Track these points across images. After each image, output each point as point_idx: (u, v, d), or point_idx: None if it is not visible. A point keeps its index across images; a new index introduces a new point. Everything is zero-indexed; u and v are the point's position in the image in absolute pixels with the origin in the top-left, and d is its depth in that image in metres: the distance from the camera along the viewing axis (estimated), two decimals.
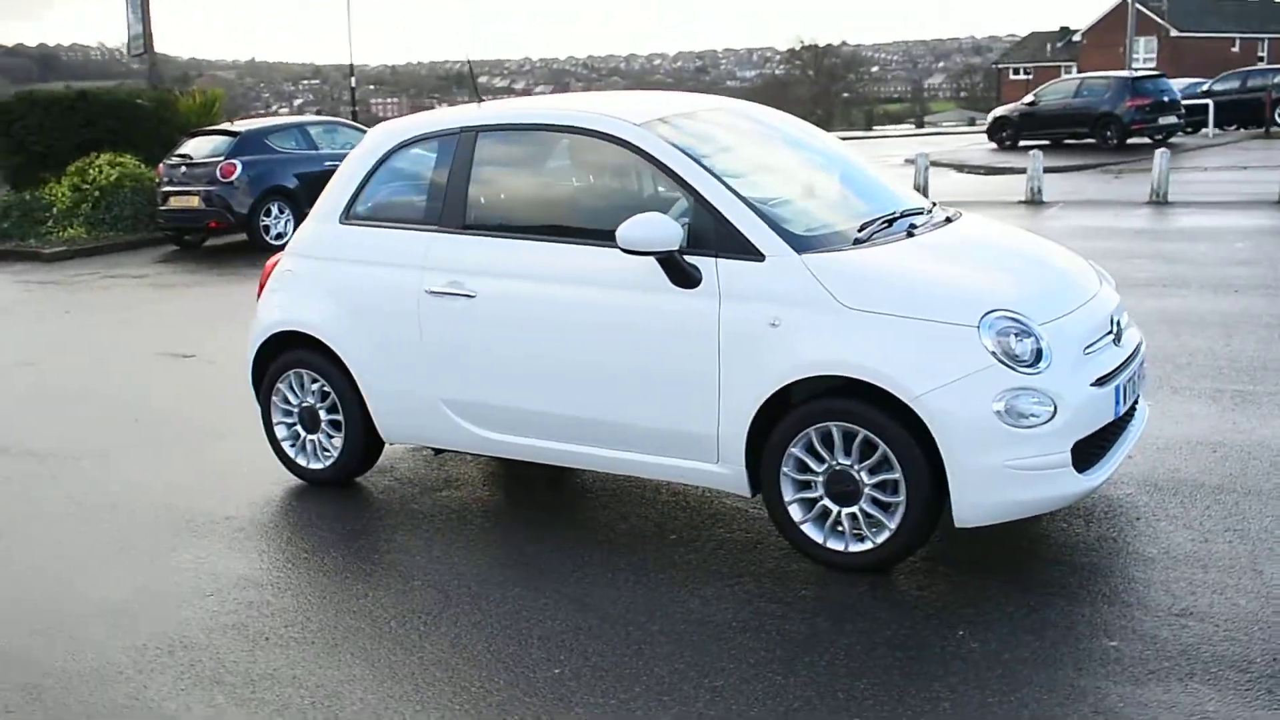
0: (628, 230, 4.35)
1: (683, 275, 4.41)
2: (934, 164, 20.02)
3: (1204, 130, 26.96)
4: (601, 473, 5.52)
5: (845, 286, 4.21)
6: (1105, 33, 65.25)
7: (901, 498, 4.14)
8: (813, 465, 4.30)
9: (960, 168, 23.50)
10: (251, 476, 5.85)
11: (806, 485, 4.34)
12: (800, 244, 4.35)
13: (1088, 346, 4.29)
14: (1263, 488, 4.89)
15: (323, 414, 5.54)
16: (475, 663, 3.80)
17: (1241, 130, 28.59)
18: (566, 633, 3.98)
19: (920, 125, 55.90)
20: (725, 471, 4.49)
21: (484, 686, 3.65)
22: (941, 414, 4.01)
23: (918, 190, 9.17)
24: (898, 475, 4.13)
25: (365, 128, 17.76)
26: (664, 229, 4.33)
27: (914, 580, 4.23)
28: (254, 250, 15.16)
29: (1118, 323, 4.59)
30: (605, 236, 4.60)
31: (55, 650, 4.08)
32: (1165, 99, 25.03)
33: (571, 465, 4.97)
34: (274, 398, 5.66)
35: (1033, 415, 4.01)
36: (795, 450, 4.31)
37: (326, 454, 5.59)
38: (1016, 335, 4.09)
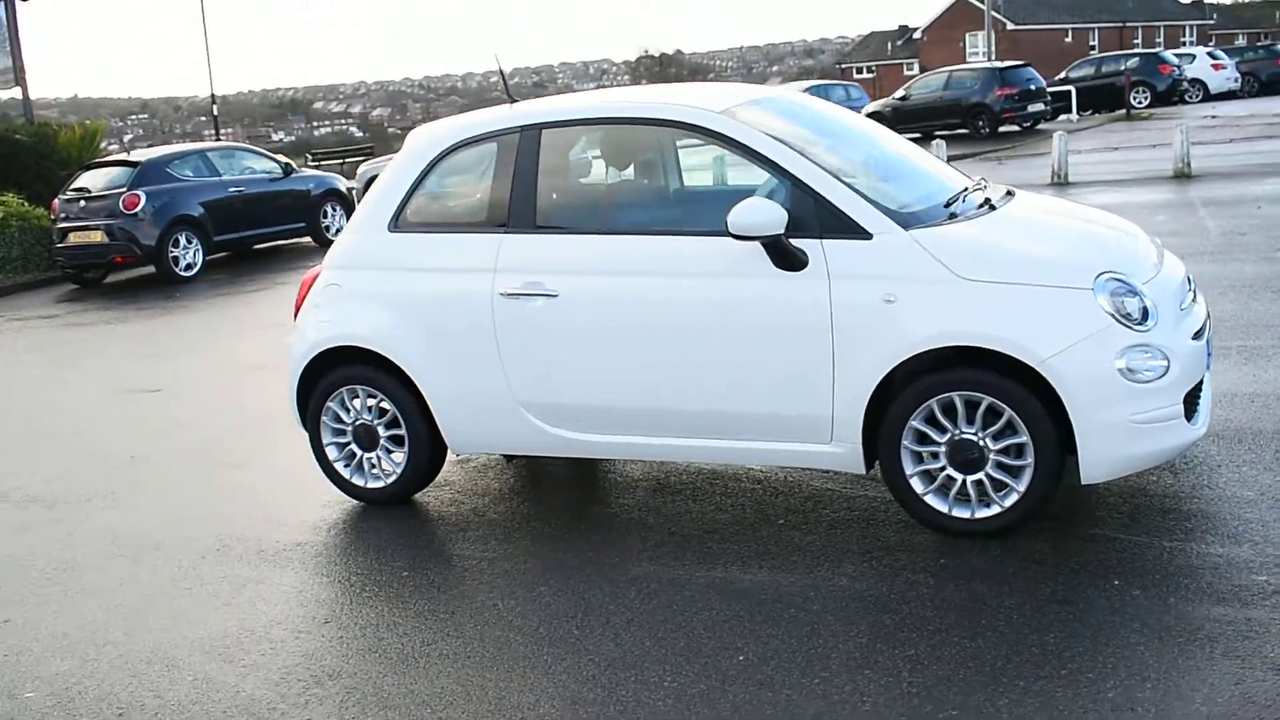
0: (739, 216, 4.34)
1: (789, 258, 4.41)
2: None
3: (1067, 115, 28.22)
4: (666, 467, 5.51)
5: (958, 259, 4.29)
6: (945, 29, 67.78)
7: (1029, 460, 4.23)
8: (935, 436, 4.35)
9: None
10: (298, 501, 5.64)
11: (928, 456, 4.40)
12: (904, 221, 4.41)
13: (1180, 304, 4.46)
14: None
15: (381, 430, 5.36)
16: (653, 658, 3.74)
17: (1096, 115, 30.00)
18: (729, 620, 3.94)
19: None
20: (839, 450, 4.52)
21: (677, 680, 3.59)
22: (1069, 375, 4.11)
23: None
24: (1024, 439, 4.22)
25: (267, 152, 17.35)
26: (773, 213, 4.34)
27: (1041, 542, 4.32)
28: (163, 283, 14.61)
29: (1192, 283, 4.78)
30: (695, 226, 4.58)
31: (183, 692, 3.85)
32: (1032, 87, 26.15)
33: (668, 459, 4.94)
34: (324, 418, 5.45)
35: (1150, 370, 4.14)
36: (915, 423, 4.36)
37: (388, 472, 5.41)
38: (1127, 295, 4.23)
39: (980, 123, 25.95)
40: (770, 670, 3.59)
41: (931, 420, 4.35)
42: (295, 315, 5.58)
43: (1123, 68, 29.92)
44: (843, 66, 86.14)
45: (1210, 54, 33.79)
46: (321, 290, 5.44)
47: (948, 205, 4.65)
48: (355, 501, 5.53)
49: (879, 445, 4.45)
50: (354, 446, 5.45)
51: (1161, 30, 65.57)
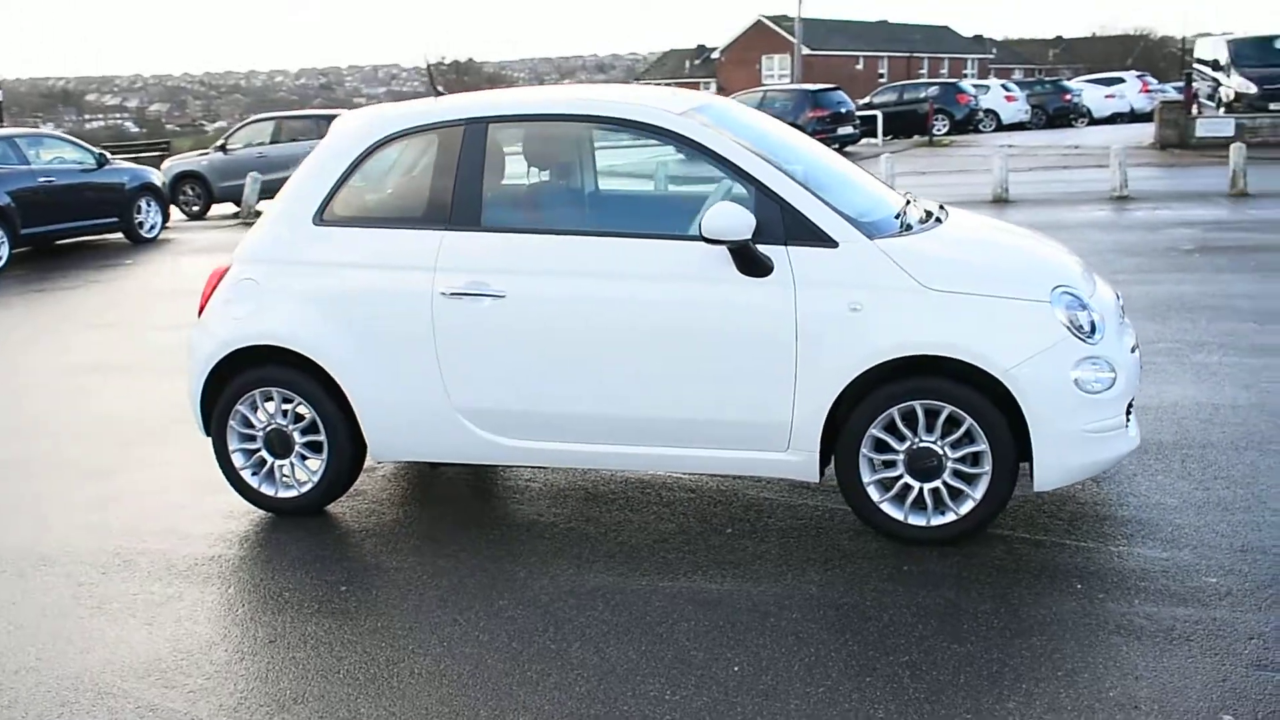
0: (713, 220, 4.28)
1: (755, 264, 4.38)
2: None
3: (871, 140, 29.43)
4: (591, 476, 5.39)
5: (923, 269, 4.35)
6: (742, 50, 69.88)
7: (986, 469, 4.33)
8: (894, 444, 4.41)
9: None
10: (195, 512, 5.26)
11: (886, 465, 4.44)
12: (866, 230, 4.45)
13: (1120, 319, 4.67)
14: (1211, 439, 5.48)
15: (297, 436, 5.05)
16: (645, 671, 3.62)
17: (898, 140, 31.43)
18: (711, 630, 3.87)
19: None
20: (794, 459, 4.51)
21: (677, 693, 3.49)
22: (1030, 386, 4.23)
23: None
24: (982, 447, 4.31)
25: (80, 142, 16.19)
26: (744, 218, 4.30)
27: (995, 549, 4.42)
28: None
29: (1120, 299, 5.01)
30: (653, 229, 4.49)
31: None
32: (842, 110, 27.12)
33: (613, 467, 4.82)
34: (231, 421, 5.08)
35: (1099, 381, 4.31)
36: (875, 431, 4.40)
37: (302, 480, 5.09)
38: (1079, 308, 4.39)
39: None
40: (771, 680, 3.54)
41: (890, 428, 4.40)
42: (200, 311, 5.18)
43: (924, 95, 31.44)
44: (641, 84, 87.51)
45: (1004, 86, 35.97)
46: (234, 285, 5.07)
47: (897, 218, 4.73)
48: (261, 512, 5.18)
49: (836, 453, 4.47)
50: (264, 453, 5.11)
51: (946, 62, 69.36)
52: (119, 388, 7.75)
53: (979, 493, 4.36)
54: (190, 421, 5.26)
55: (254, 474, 5.14)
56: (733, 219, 4.29)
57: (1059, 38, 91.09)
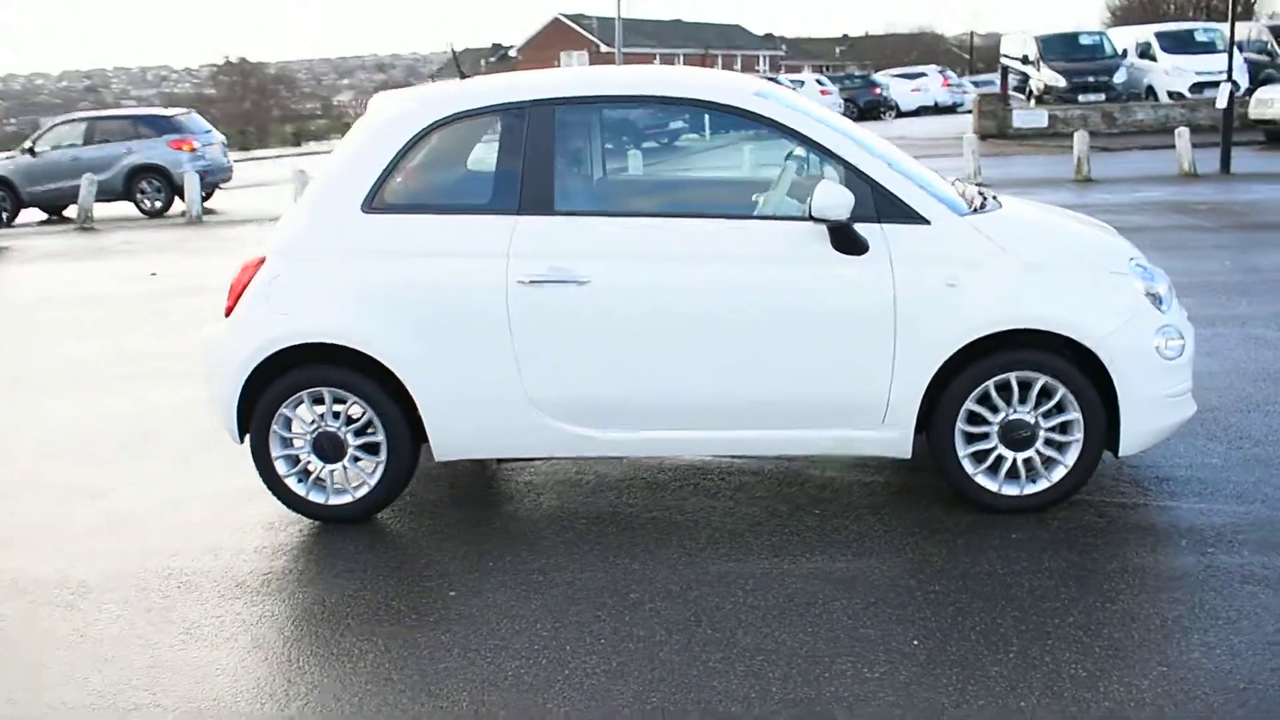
0: (821, 199, 4.27)
1: (853, 243, 4.39)
2: None
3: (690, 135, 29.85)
4: (643, 466, 5.30)
5: (1017, 244, 4.46)
6: (539, 48, 69.68)
7: (1078, 436, 4.47)
8: (988, 416, 4.50)
9: None
10: (228, 525, 4.90)
11: (980, 437, 4.53)
12: (953, 207, 4.52)
13: (1171, 291, 4.90)
14: (1214, 404, 5.80)
15: (350, 438, 4.75)
16: (842, 653, 3.58)
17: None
18: (868, 608, 3.86)
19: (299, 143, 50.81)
20: (888, 435, 4.55)
21: (885, 668, 3.47)
22: (1120, 354, 4.39)
23: None
24: (1074, 416, 4.45)
25: None
26: (847, 197, 4.31)
27: (1084, 513, 4.56)
28: None
29: None
30: (737, 209, 4.46)
31: None
32: None
33: (696, 454, 4.75)
34: (274, 426, 4.74)
35: (1172, 349, 4.52)
36: (970, 404, 4.49)
37: (355, 485, 4.80)
38: (1150, 279, 4.59)
39: None
40: (957, 651, 3.56)
41: (985, 400, 4.49)
42: (229, 309, 4.81)
43: None
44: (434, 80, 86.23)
45: (818, 80, 37.15)
46: (271, 280, 4.72)
47: (962, 197, 4.82)
48: (307, 520, 4.86)
49: (932, 428, 4.53)
50: (312, 458, 4.78)
51: (739, 59, 71.06)
52: (57, 398, 7.11)
53: (1071, 460, 4.50)
54: (152, 436, 4.87)
55: (300, 480, 4.81)
56: (839, 198, 4.29)
57: (845, 36, 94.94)
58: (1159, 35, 26.13)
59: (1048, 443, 4.52)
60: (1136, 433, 4.49)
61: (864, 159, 4.50)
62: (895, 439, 4.56)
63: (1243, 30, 25.99)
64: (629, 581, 4.16)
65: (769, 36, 78.87)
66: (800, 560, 4.27)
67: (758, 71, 66.78)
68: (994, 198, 4.98)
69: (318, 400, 4.75)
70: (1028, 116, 24.25)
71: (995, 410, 4.50)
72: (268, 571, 4.43)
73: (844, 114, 35.55)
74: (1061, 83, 25.28)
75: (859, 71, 44.56)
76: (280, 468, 4.80)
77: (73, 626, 4.06)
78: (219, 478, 5.46)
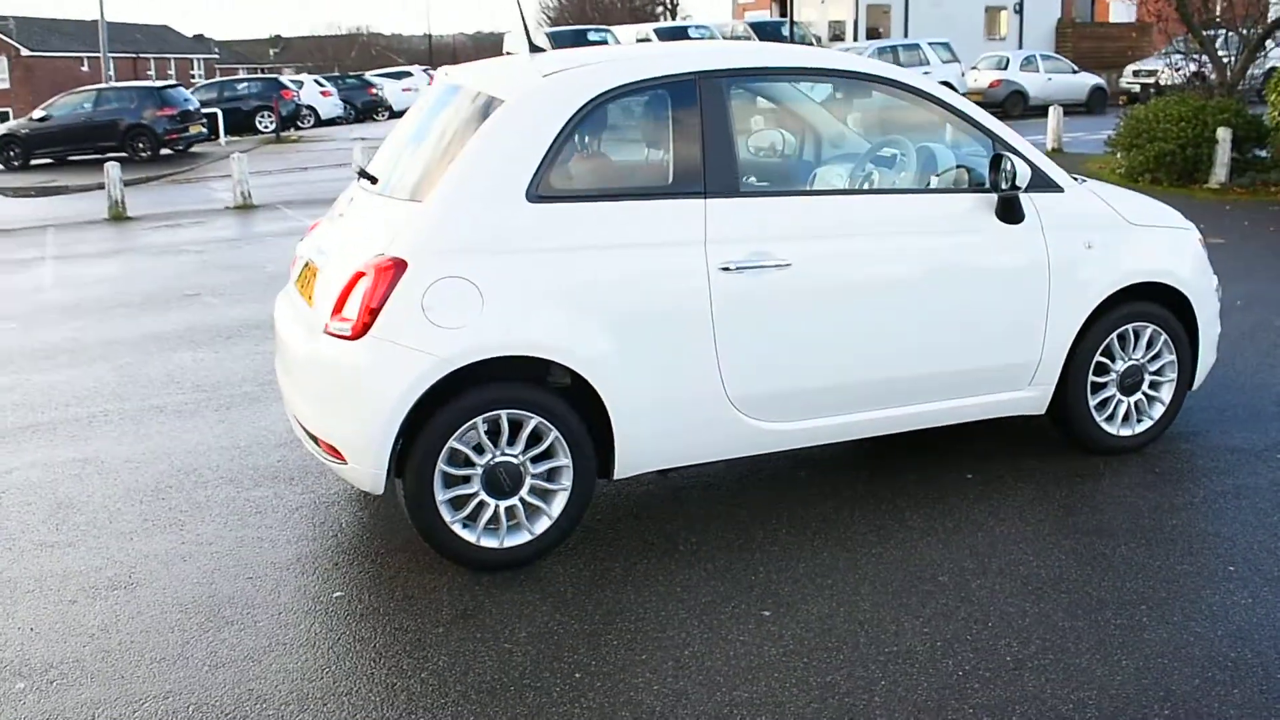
0: (1022, 171, 4.40)
1: (1017, 212, 4.59)
2: None
3: (215, 140, 27.68)
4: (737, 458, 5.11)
5: (1125, 209, 4.90)
6: None
7: (1173, 376, 5.03)
8: (1111, 365, 4.90)
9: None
10: (395, 567, 4.02)
11: (1102, 386, 4.92)
12: (1072, 175, 4.86)
13: None
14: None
15: (529, 466, 4.10)
16: (1164, 621, 3.76)
17: (238, 138, 29.92)
18: (1134, 566, 4.09)
19: None
20: (1033, 394, 4.81)
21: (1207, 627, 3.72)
22: (1200, 298, 5.00)
23: None
24: (1171, 358, 5.00)
25: None
26: (1025, 169, 4.48)
27: (1189, 444, 5.11)
28: None
29: None
30: (906, 183, 4.50)
31: None
32: (190, 108, 25.24)
33: (871, 434, 4.63)
34: (440, 463, 3.97)
35: (1220, 293, 5.21)
36: (1098, 355, 4.86)
37: (532, 520, 4.14)
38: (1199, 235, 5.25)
39: (141, 144, 24.31)
40: (1248, 598, 3.91)
41: (1107, 352, 4.89)
42: (362, 326, 3.92)
43: (247, 92, 30.28)
44: None
45: (317, 82, 35.75)
46: (428, 287, 3.93)
47: None
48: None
49: (1067, 382, 4.84)
50: (483, 495, 4.06)
51: (173, 62, 66.47)
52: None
53: (1167, 397, 5.05)
54: (169, 485, 3.97)
55: (466, 525, 4.06)
56: (1022, 170, 4.45)
57: (278, 37, 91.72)
58: (658, 32, 28.56)
59: (1151, 385, 5.02)
60: (1203, 369, 5.12)
61: (1008, 133, 4.69)
62: (1037, 397, 4.82)
63: (733, 27, 29.13)
64: (866, 571, 4.06)
65: (200, 38, 74.36)
66: (1008, 523, 4.40)
67: (193, 76, 63.07)
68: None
69: (493, 427, 4.04)
70: None
71: (1113, 359, 4.90)
72: (460, 612, 3.71)
73: (343, 115, 35.23)
74: None
75: (353, 73, 43.61)
76: (445, 514, 4.02)
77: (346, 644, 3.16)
78: (277, 515, 4.41)
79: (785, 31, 29.15)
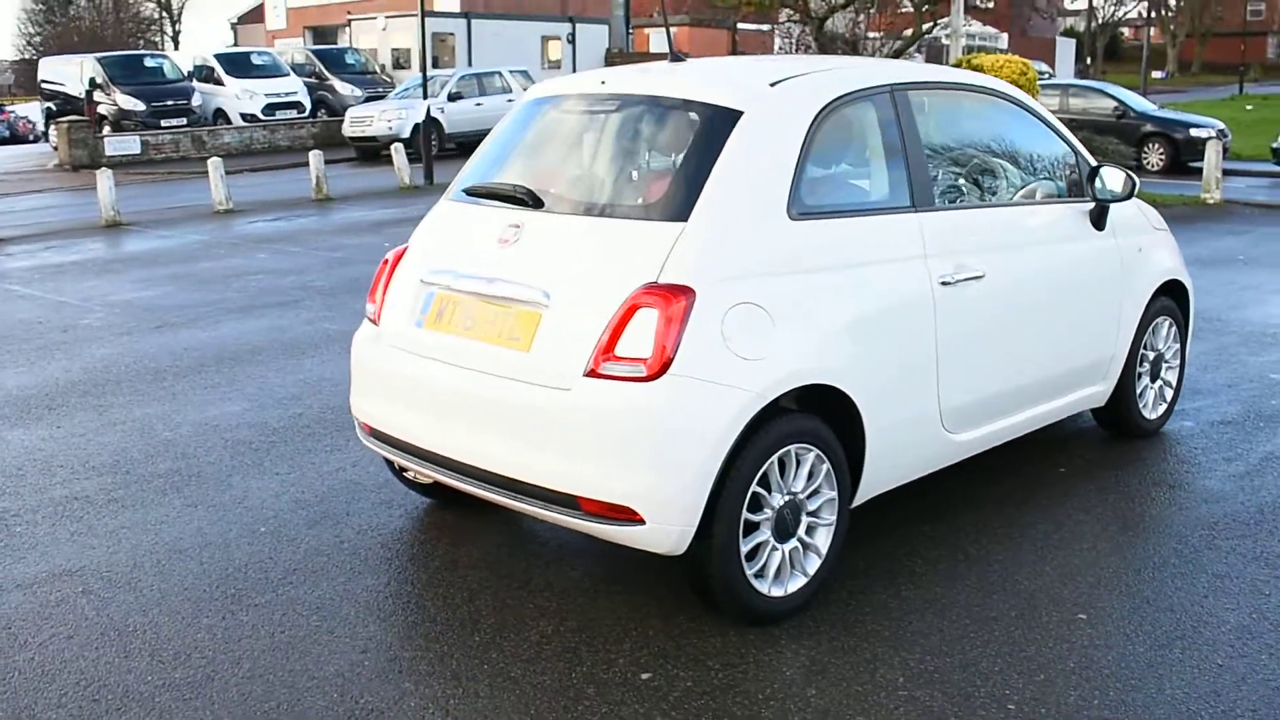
0: (1112, 181, 4.85)
1: (1105, 219, 4.94)
2: None
3: None
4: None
5: (1149, 216, 5.43)
6: None
7: (1179, 361, 5.64)
8: (1148, 354, 5.39)
9: None
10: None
11: (1140, 376, 5.39)
12: None
13: None
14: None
15: (807, 503, 3.78)
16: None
17: None
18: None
19: None
20: (1103, 388, 5.17)
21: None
22: (1189, 289, 5.64)
23: None
24: (1178, 345, 5.61)
25: None
26: (1129, 179, 4.84)
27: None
28: None
29: None
30: (1030, 196, 4.74)
31: None
32: None
33: (1014, 436, 4.70)
34: (743, 509, 3.56)
35: None
36: (1143, 349, 5.34)
37: (807, 559, 3.81)
38: None
39: None
40: None
41: (1148, 344, 5.39)
42: (661, 365, 3.41)
43: None
44: None
45: None
46: (723, 315, 3.50)
47: None
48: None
49: (1124, 375, 5.25)
50: (773, 540, 3.68)
51: None
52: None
53: (1174, 380, 5.65)
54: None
55: (758, 574, 3.66)
56: (1125, 181, 4.84)
57: None
58: (220, 59, 26.44)
59: (1169, 368, 5.58)
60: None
61: (1079, 146, 5.01)
62: (1105, 390, 5.20)
63: (292, 54, 27.80)
64: (1008, 571, 4.22)
65: None
66: (1102, 516, 4.73)
67: None
68: None
69: (784, 463, 3.67)
70: (120, 144, 22.71)
71: (1148, 350, 5.40)
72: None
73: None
74: (141, 107, 24.09)
75: None
76: (748, 566, 3.60)
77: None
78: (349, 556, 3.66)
79: (349, 59, 28.28)
